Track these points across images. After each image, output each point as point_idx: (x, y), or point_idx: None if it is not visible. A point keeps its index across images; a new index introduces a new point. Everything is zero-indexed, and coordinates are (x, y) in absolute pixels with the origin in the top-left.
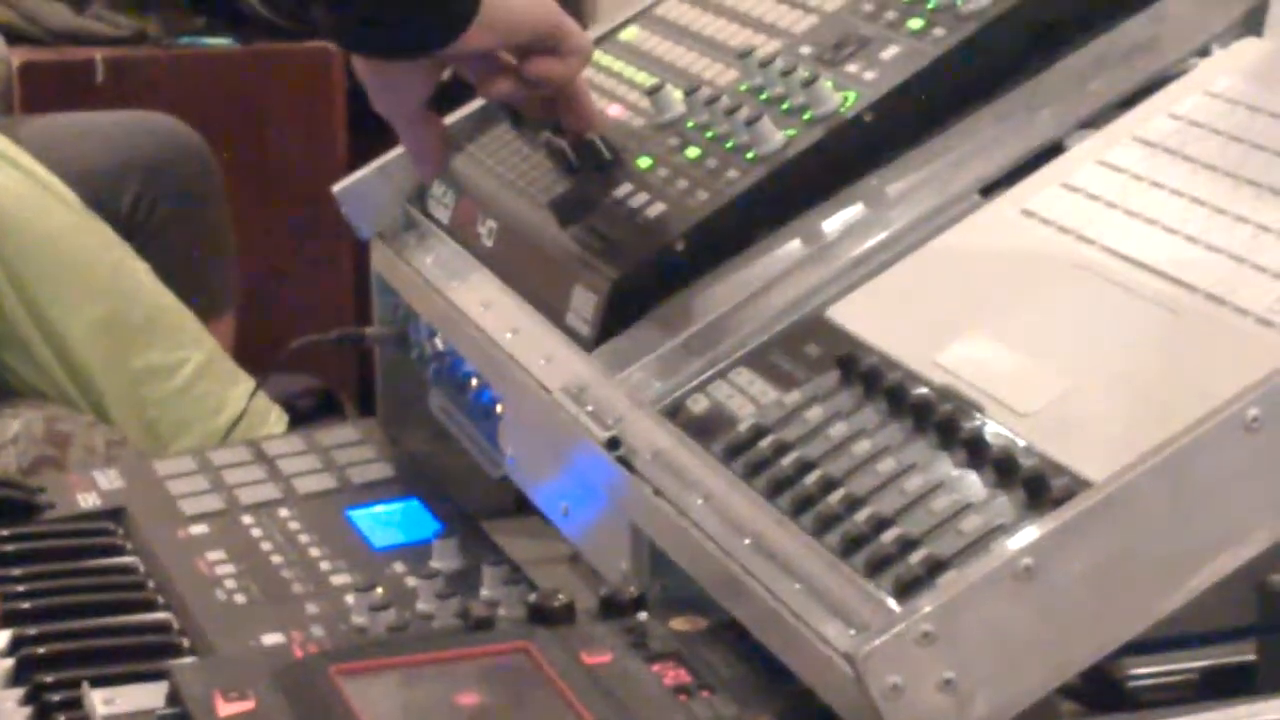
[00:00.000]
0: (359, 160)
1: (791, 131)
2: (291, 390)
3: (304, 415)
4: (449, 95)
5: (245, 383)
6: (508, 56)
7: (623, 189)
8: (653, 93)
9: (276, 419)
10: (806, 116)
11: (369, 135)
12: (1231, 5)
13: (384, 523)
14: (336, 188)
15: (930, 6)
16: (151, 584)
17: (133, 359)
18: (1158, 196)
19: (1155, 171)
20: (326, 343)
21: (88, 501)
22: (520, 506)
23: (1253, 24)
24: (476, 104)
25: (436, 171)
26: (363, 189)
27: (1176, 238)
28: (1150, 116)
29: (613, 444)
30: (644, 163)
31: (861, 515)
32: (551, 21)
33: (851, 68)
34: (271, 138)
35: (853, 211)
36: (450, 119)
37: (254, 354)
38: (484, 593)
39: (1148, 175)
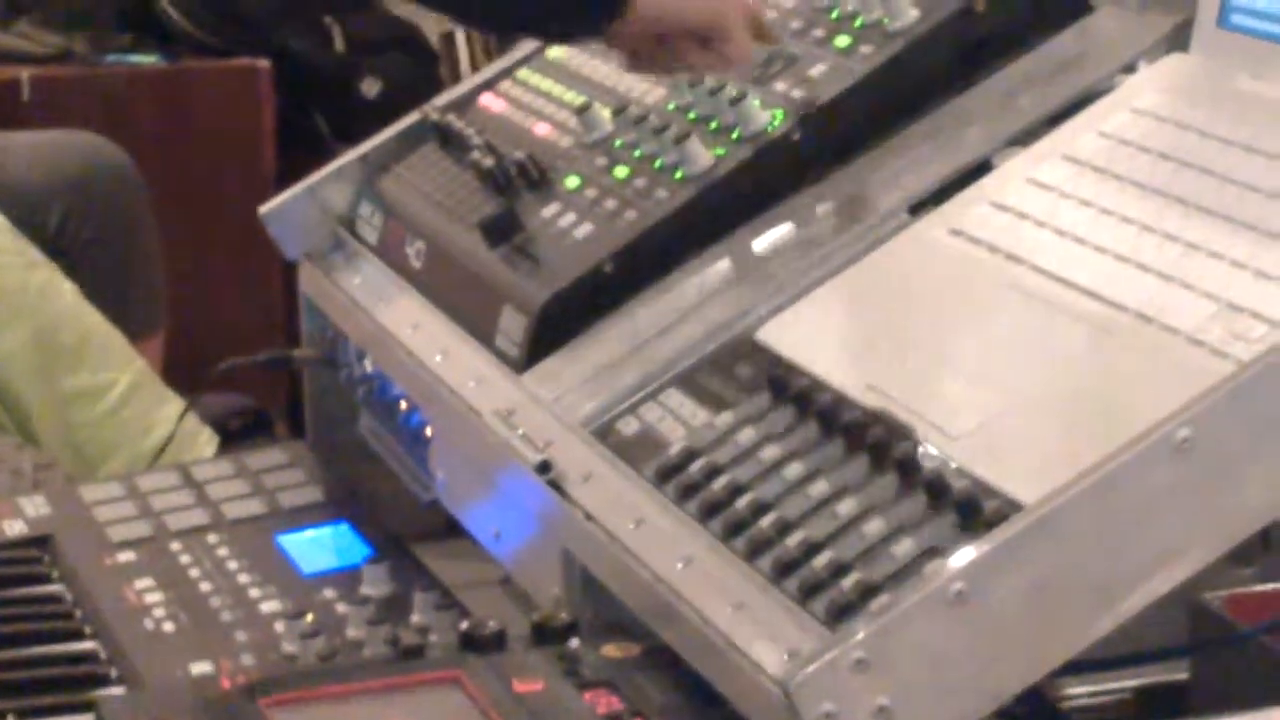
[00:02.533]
0: (288, 177)
1: (720, 150)
2: (222, 410)
3: (235, 435)
4: None
5: (175, 404)
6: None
7: (551, 209)
8: (581, 111)
9: (207, 440)
10: (735, 135)
11: (298, 152)
12: (1158, 21)
13: (314, 547)
14: (263, 209)
15: (857, 24)
16: (78, 613)
17: (60, 381)
18: (1087, 215)
19: (1084, 189)
20: (254, 365)
21: (13, 529)
22: (451, 529)
23: (1179, 40)
24: (403, 124)
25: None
26: (290, 210)
27: (1106, 256)
28: (1078, 134)
29: (543, 467)
30: (572, 182)
31: (794, 540)
32: (707, 21)
33: (780, 85)
34: (200, 155)
35: (782, 231)
36: (377, 140)
37: (184, 374)
38: (415, 619)
39: (1076, 193)
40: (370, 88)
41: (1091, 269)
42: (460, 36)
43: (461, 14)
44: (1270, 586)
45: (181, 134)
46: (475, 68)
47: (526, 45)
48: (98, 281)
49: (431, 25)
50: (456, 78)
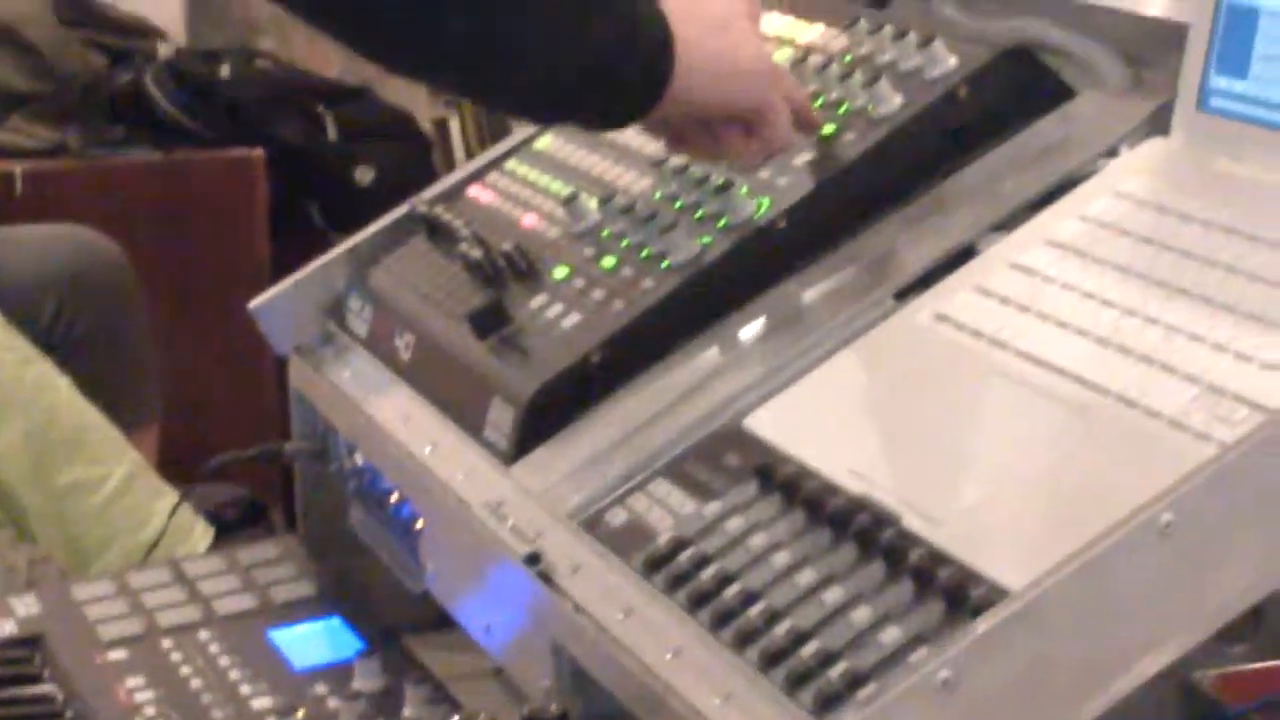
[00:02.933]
0: (283, 267)
1: (706, 239)
2: (218, 501)
3: (230, 526)
4: None
5: (169, 496)
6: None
7: (539, 300)
8: (568, 202)
9: (202, 532)
10: (721, 224)
11: (293, 241)
12: (1138, 106)
13: (305, 642)
14: (252, 304)
15: (842, 111)
16: (70, 713)
17: (55, 475)
18: (1070, 299)
19: (1067, 274)
20: (246, 460)
21: (4, 629)
22: (443, 621)
23: (1159, 124)
24: (391, 218)
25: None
26: (279, 304)
27: (1088, 340)
28: (1061, 218)
29: (532, 559)
30: (560, 272)
31: (781, 629)
32: (752, 107)
33: (765, 173)
34: (194, 247)
35: (769, 319)
36: (365, 233)
37: (181, 465)
38: (406, 713)
39: (1059, 278)
40: (364, 176)
41: (1075, 353)
42: (454, 123)
43: (498, 104)
44: (1261, 665)
45: (175, 225)
46: (470, 154)
47: (515, 136)
48: (92, 375)
49: (424, 112)
50: (451, 164)
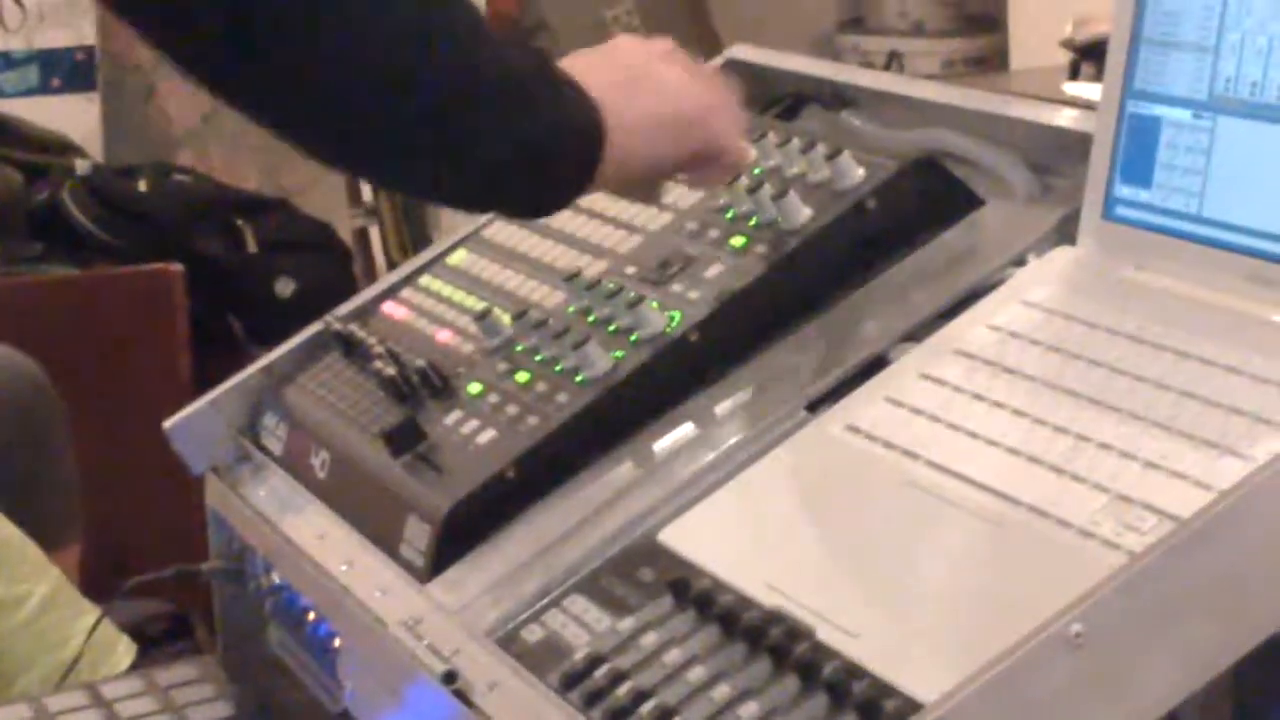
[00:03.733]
0: (205, 381)
1: (619, 353)
2: (141, 617)
3: (154, 641)
4: None
5: (91, 614)
6: None
7: (454, 416)
8: (482, 317)
9: (125, 648)
10: (633, 338)
11: (214, 355)
12: (1045, 215)
13: None
14: (167, 424)
15: (752, 224)
16: None
17: None
18: (979, 409)
19: (976, 383)
20: (161, 581)
21: None
22: None
23: (1066, 233)
24: (305, 335)
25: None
26: (193, 424)
27: (999, 450)
28: (970, 328)
29: (449, 677)
30: (474, 388)
31: None
32: (686, 157)
33: (676, 287)
34: (114, 363)
35: (682, 432)
36: (279, 351)
37: (104, 583)
38: None
39: (969, 388)
40: (285, 288)
41: (985, 463)
42: (374, 232)
43: (431, 196)
44: None
45: (95, 342)
46: (391, 263)
47: (429, 251)
48: (12, 494)
49: (345, 223)
50: (372, 273)
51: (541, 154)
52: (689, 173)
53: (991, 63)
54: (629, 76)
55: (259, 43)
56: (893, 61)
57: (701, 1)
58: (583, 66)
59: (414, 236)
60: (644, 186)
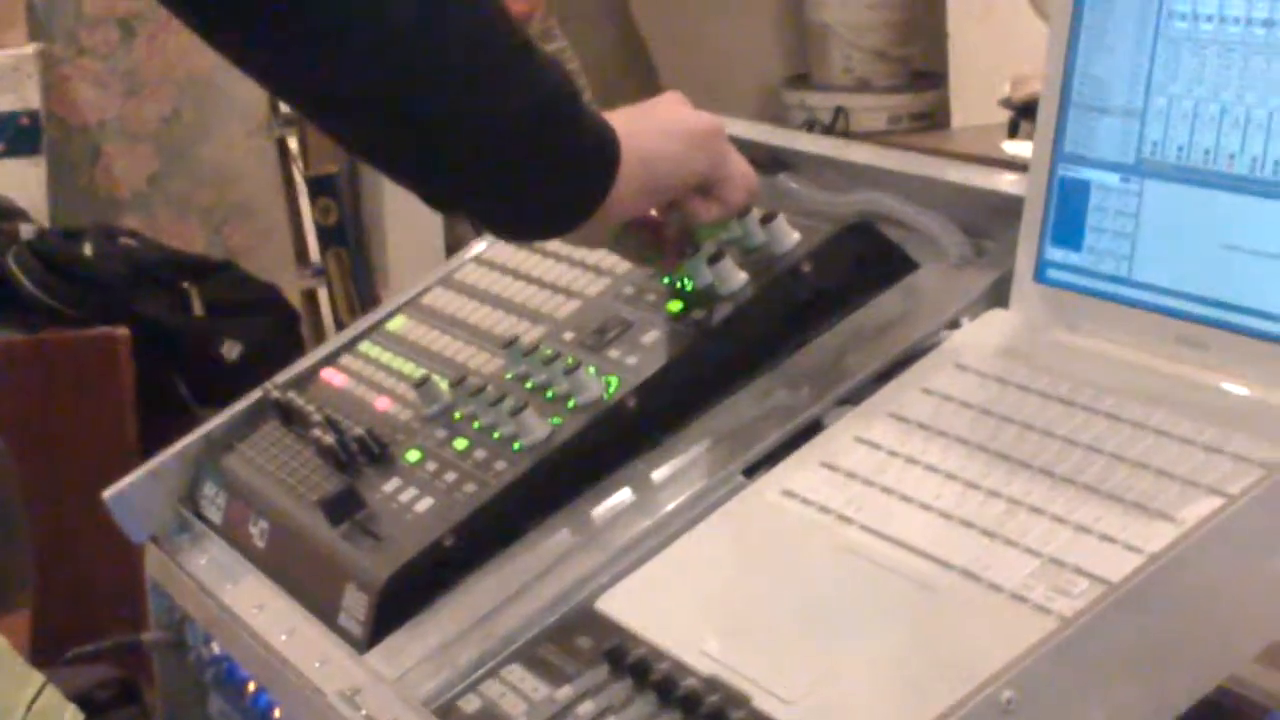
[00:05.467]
0: (152, 445)
1: (557, 420)
2: (88, 683)
3: (102, 708)
4: None
5: (37, 682)
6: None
7: (392, 484)
8: (420, 384)
9: (72, 717)
10: (571, 404)
11: (161, 419)
12: (978, 278)
13: None
14: (107, 494)
15: (688, 289)
16: None
17: None
18: (913, 473)
19: (910, 447)
20: (102, 652)
21: None
22: None
23: (999, 295)
24: (245, 403)
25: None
26: (133, 493)
27: (932, 514)
28: (904, 391)
29: None
30: (413, 456)
31: None
32: (699, 175)
33: (614, 353)
34: (62, 428)
35: (620, 498)
36: (219, 420)
37: (53, 649)
38: None
39: (903, 452)
40: (231, 350)
41: (918, 527)
42: (322, 293)
43: (459, 211)
44: None
45: (42, 407)
46: (339, 324)
47: (370, 316)
48: None
49: (293, 284)
50: (321, 335)
51: (560, 143)
52: (702, 199)
53: (936, 118)
54: (638, 107)
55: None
56: (839, 117)
57: (647, 58)
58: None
59: (362, 297)
60: (659, 207)
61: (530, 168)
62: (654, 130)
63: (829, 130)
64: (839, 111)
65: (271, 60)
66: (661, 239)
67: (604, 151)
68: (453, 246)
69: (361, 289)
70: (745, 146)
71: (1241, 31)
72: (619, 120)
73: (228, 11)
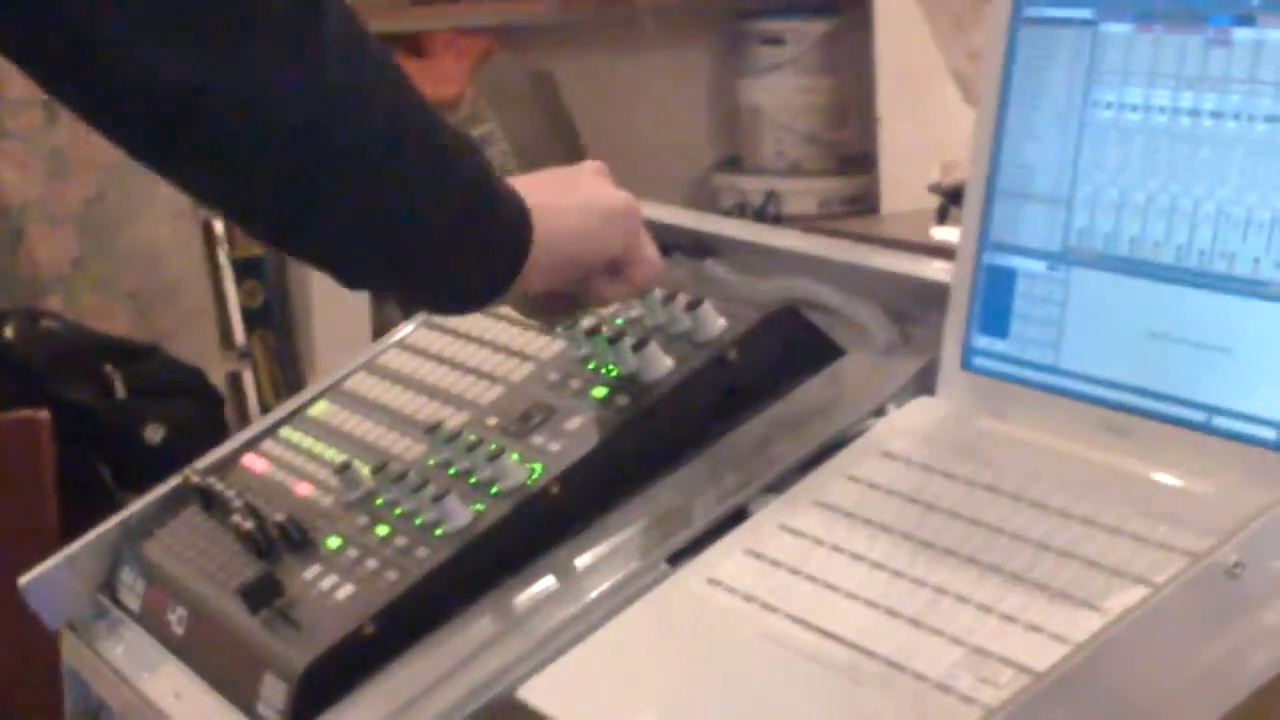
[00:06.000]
0: (73, 530)
1: (480, 506)
2: None
3: None
4: None
5: None
6: None
7: (312, 571)
8: (342, 470)
9: None
10: (494, 490)
11: (83, 503)
12: (906, 364)
13: None
14: (22, 581)
15: (614, 375)
16: None
17: None
18: (839, 561)
19: (835, 536)
20: None
21: None
22: None
23: (925, 382)
24: (165, 488)
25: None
26: (49, 579)
27: (857, 603)
28: (829, 479)
29: None
30: (334, 543)
31: None
32: (610, 256)
33: (538, 439)
34: None
35: (543, 585)
36: (138, 505)
37: None
38: None
39: (829, 540)
40: (154, 434)
41: (843, 616)
42: (248, 375)
43: (357, 283)
44: None
45: None
46: (264, 407)
47: (293, 400)
48: None
49: (218, 367)
50: (245, 418)
51: (478, 228)
52: (610, 278)
53: (867, 201)
54: (559, 176)
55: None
56: (770, 201)
57: (577, 141)
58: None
59: (288, 380)
60: (569, 283)
61: (442, 258)
62: (571, 208)
63: (760, 214)
64: (770, 195)
65: (162, 171)
66: (560, 306)
67: (517, 235)
68: (380, 329)
69: (287, 372)
70: (672, 232)
71: (1167, 121)
72: (538, 189)
73: (108, 127)
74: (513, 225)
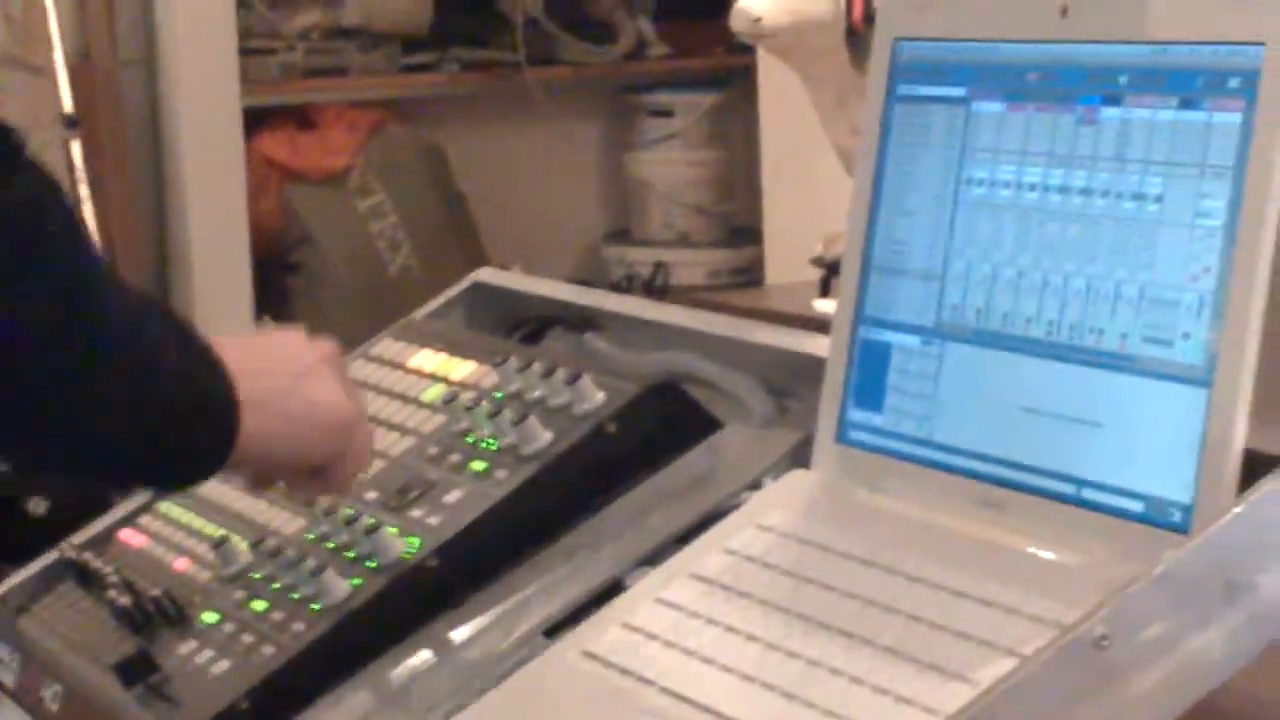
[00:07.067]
0: None
1: (357, 580)
2: None
3: None
4: None
5: None
6: None
7: (188, 646)
8: (219, 545)
9: None
10: (372, 565)
11: None
12: (782, 438)
13: None
14: None
15: (493, 448)
16: None
17: None
18: (713, 634)
19: (711, 608)
20: None
21: None
22: None
23: (802, 456)
24: (41, 564)
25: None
26: None
27: (731, 675)
28: (705, 552)
29: None
30: (210, 617)
31: None
32: (314, 464)
33: (416, 513)
34: None
35: (420, 659)
36: (13, 580)
37: None
38: None
39: (704, 612)
40: (37, 507)
41: (717, 689)
42: None
43: (62, 469)
44: None
45: None
46: None
47: None
48: None
49: None
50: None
51: (176, 423)
52: (308, 478)
53: (755, 272)
54: (284, 373)
55: None
56: (658, 272)
57: (467, 216)
58: (240, 355)
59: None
60: (285, 476)
61: (137, 461)
62: (285, 413)
63: (649, 285)
64: (659, 266)
65: None
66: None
67: (219, 437)
68: None
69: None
70: (553, 305)
71: (1037, 198)
72: (259, 376)
73: None
74: (216, 423)
